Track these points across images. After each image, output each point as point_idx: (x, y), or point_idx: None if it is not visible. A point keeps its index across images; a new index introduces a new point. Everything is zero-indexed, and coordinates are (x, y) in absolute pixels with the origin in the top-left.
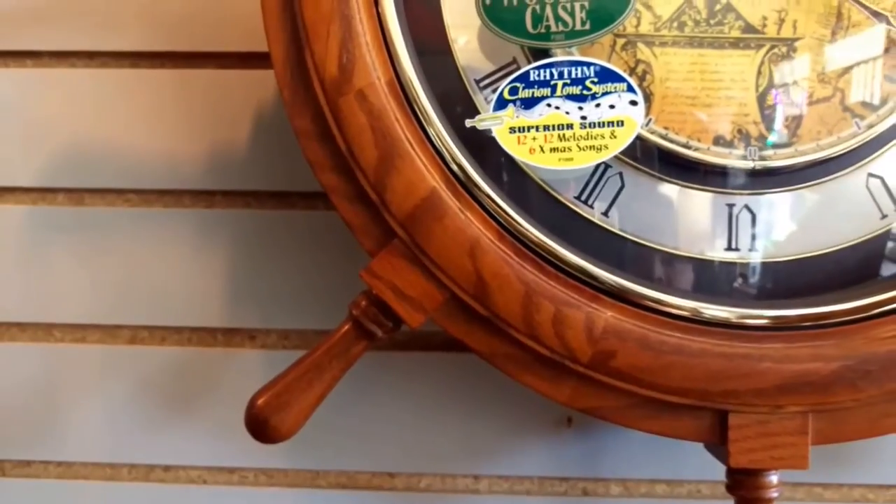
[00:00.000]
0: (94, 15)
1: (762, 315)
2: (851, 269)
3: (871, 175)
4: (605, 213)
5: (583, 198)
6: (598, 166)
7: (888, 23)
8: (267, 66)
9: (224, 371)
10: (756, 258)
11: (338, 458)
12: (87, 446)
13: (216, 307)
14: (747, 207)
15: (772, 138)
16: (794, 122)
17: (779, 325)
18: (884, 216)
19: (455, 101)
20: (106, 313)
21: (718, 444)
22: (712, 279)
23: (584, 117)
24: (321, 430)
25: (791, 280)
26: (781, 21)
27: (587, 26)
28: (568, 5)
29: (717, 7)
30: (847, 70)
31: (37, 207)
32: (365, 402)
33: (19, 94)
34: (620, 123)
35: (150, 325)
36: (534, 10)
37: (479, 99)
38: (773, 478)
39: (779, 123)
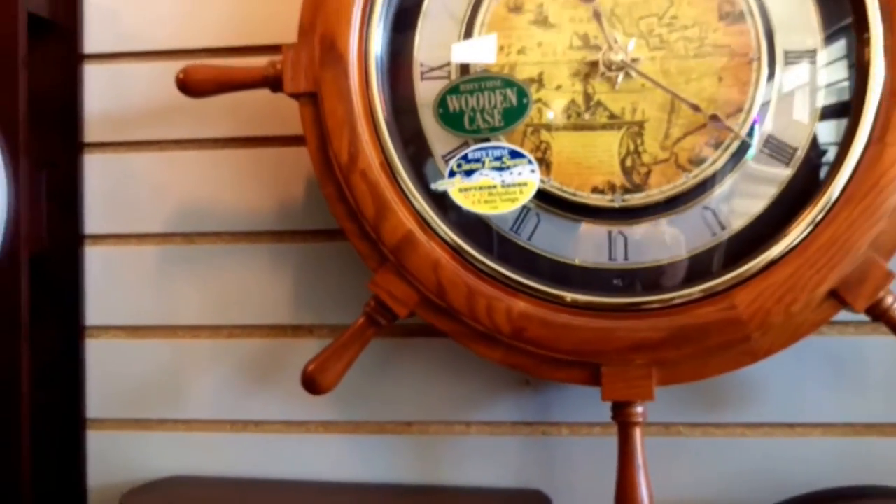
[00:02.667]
0: (194, 113)
1: (621, 301)
2: (688, 270)
3: (704, 208)
4: (529, 239)
5: (514, 229)
6: (522, 208)
7: (697, 109)
8: None
9: (292, 355)
10: (627, 265)
11: (370, 413)
12: (203, 409)
13: (286, 310)
14: (620, 232)
15: (629, 187)
16: (645, 175)
17: (632, 307)
18: (714, 234)
19: (426, 170)
20: (211, 318)
21: (596, 386)
22: (598, 279)
23: (503, 181)
24: (357, 394)
25: (649, 278)
26: (634, 110)
27: (502, 124)
28: (489, 112)
29: (591, 103)
30: (679, 139)
31: (161, 247)
32: (386, 374)
33: (148, 168)
34: (525, 184)
35: (241, 325)
36: (469, 115)
37: (442, 167)
38: (639, 408)
39: (633, 177)
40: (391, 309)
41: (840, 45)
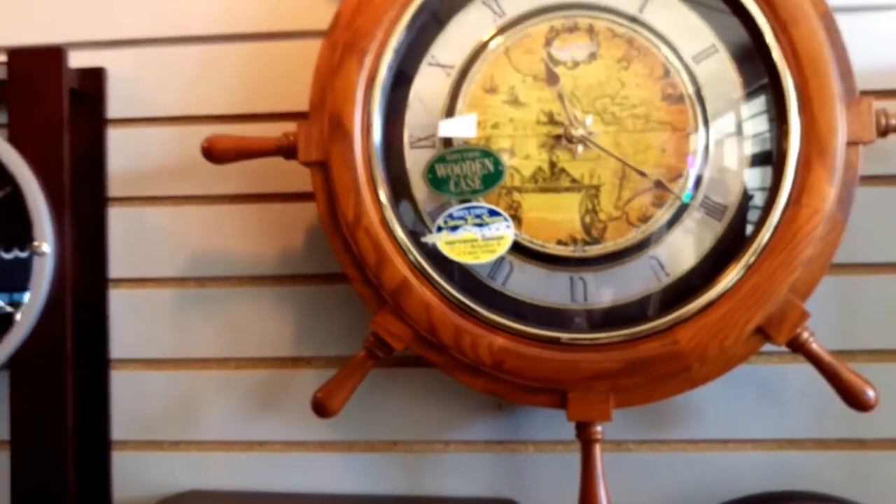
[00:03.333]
0: (206, 172)
1: (583, 337)
2: (638, 310)
3: (650, 257)
4: (504, 284)
5: (491, 275)
6: (498, 258)
7: (644, 175)
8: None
9: (292, 384)
10: (587, 306)
11: (361, 434)
12: (215, 431)
13: (287, 345)
14: (580, 278)
15: (588, 240)
16: (601, 230)
17: (592, 342)
18: (659, 280)
19: (418, 226)
20: (220, 351)
21: (562, 409)
22: (563, 318)
23: (483, 235)
24: (350, 418)
25: (606, 317)
26: (591, 175)
27: (481, 187)
28: (470, 177)
29: (556, 170)
30: (629, 200)
31: (176, 290)
32: (375, 400)
33: (165, 220)
34: (502, 238)
35: (247, 357)
36: (454, 180)
37: (429, 222)
38: (599, 427)
39: (592, 232)
40: (389, 344)
41: (760, 120)
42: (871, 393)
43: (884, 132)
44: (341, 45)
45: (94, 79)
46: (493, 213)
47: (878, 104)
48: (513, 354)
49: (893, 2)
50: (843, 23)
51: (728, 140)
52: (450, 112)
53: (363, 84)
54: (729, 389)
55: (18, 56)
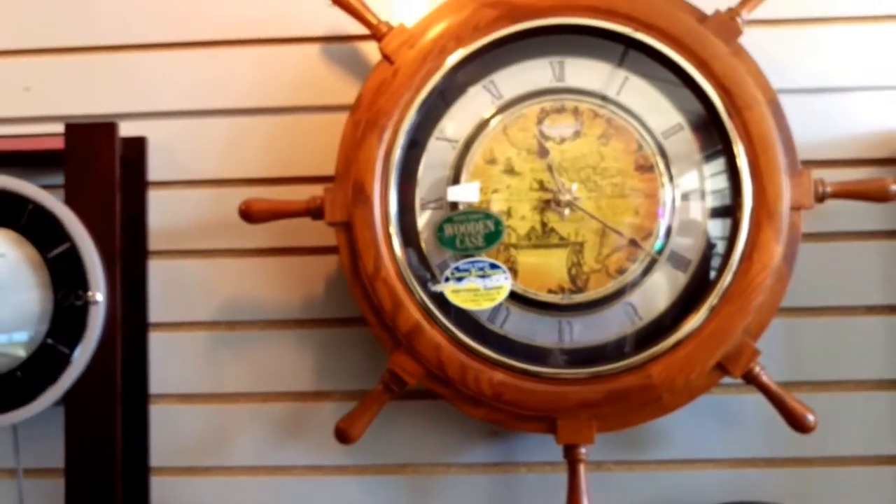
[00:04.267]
0: (236, 229)
1: (570, 372)
2: (616, 349)
3: (626, 303)
4: (501, 326)
5: (490, 319)
6: (498, 305)
7: (621, 235)
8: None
9: (314, 415)
10: (573, 345)
11: (373, 458)
12: (243, 458)
13: (308, 380)
14: (567, 322)
15: (574, 289)
16: (585, 281)
17: (577, 376)
18: (633, 322)
19: (428, 277)
20: (249, 387)
21: (552, 434)
22: (553, 356)
23: (484, 285)
24: (364, 444)
25: (589, 355)
26: (576, 234)
27: (484, 244)
28: (474, 236)
29: (546, 229)
30: (608, 255)
31: (209, 332)
32: (385, 429)
33: (199, 271)
34: (501, 287)
35: (273, 392)
36: (460, 238)
37: (437, 273)
38: (583, 450)
39: (577, 282)
40: (403, 380)
41: (718, 179)
42: (811, 417)
43: (821, 198)
44: (363, 122)
45: (136, 146)
46: (493, 266)
47: (816, 173)
48: (510, 387)
49: (831, 85)
50: (788, 102)
51: (691, 203)
52: (455, 180)
53: (382, 156)
54: (693, 416)
55: (75, 129)
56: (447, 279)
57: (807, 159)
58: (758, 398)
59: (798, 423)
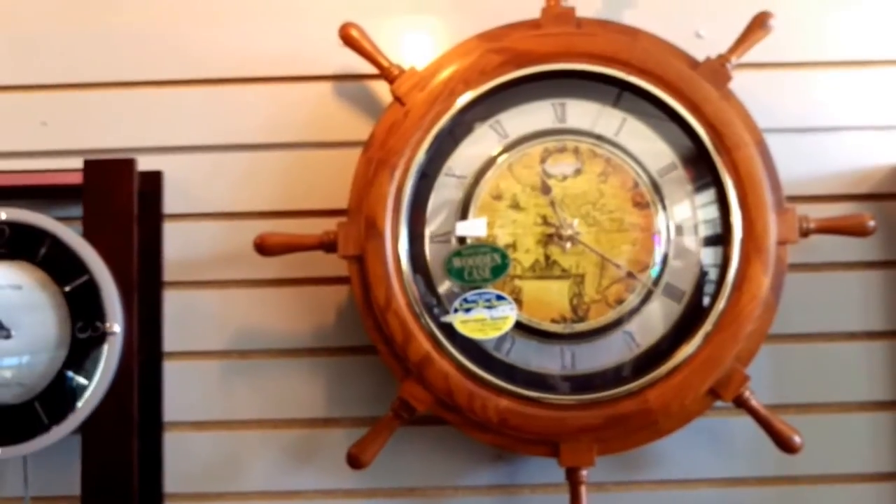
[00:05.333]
0: (248, 260)
1: (571, 398)
2: (615, 375)
3: (624, 332)
4: (507, 355)
5: (496, 348)
6: (504, 334)
7: (619, 267)
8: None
9: (324, 440)
10: (574, 372)
11: (383, 482)
12: (256, 483)
13: (319, 407)
14: (569, 349)
15: (575, 318)
16: (585, 311)
17: (578, 402)
18: (631, 350)
19: (437, 308)
20: (261, 413)
21: (554, 457)
22: (555, 382)
23: (491, 315)
24: (375, 469)
25: (590, 381)
26: (577, 266)
27: (490, 277)
28: (481, 268)
29: (549, 261)
30: (607, 287)
31: (222, 361)
32: (394, 453)
33: (212, 301)
34: (507, 318)
35: (284, 418)
36: (468, 271)
37: (446, 304)
38: (584, 472)
39: (578, 312)
40: (413, 407)
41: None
42: (797, 438)
43: (805, 234)
44: (376, 160)
45: (153, 180)
46: (499, 297)
47: (801, 208)
48: (515, 414)
49: (815, 125)
50: (774, 141)
51: (685, 236)
52: (464, 215)
53: (393, 193)
54: (688, 438)
55: (94, 166)
56: (455, 310)
57: (792, 195)
58: (747, 421)
59: (785, 444)
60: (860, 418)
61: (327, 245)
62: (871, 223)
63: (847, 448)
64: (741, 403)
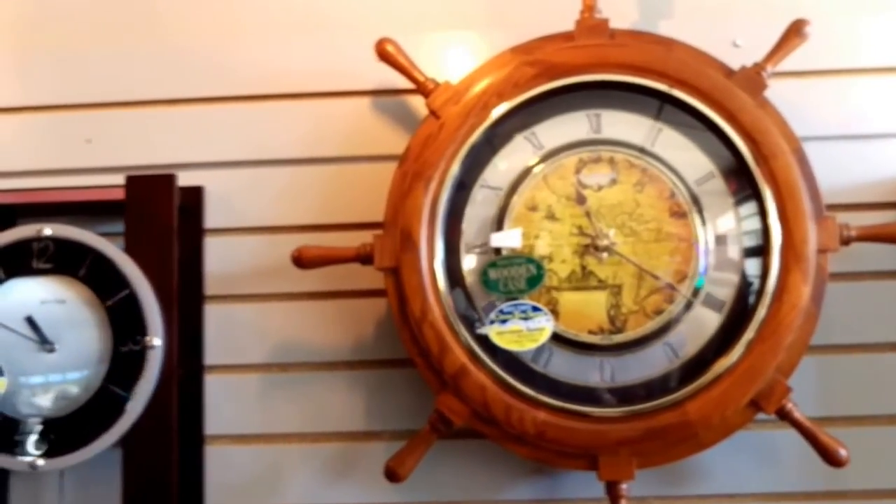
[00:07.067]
0: (288, 274)
1: (610, 411)
2: (655, 387)
3: (664, 343)
4: (545, 367)
5: (534, 360)
6: (541, 346)
7: (657, 278)
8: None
9: (364, 454)
10: (613, 384)
11: (424, 496)
12: (296, 496)
13: (358, 420)
14: (608, 361)
15: (613, 330)
16: (623, 322)
17: (617, 415)
18: (671, 361)
19: (473, 320)
20: (301, 427)
21: (593, 470)
22: (594, 395)
23: (527, 327)
24: (414, 482)
25: (629, 393)
26: (615, 277)
27: (526, 288)
28: (517, 279)
29: (586, 272)
30: (645, 297)
31: (262, 374)
32: (435, 467)
33: (253, 315)
34: (543, 329)
35: (324, 432)
36: (503, 282)
37: (482, 315)
38: (624, 486)
39: (616, 323)
40: (450, 420)
41: (749, 222)
42: (843, 452)
43: (846, 242)
44: (411, 174)
45: (194, 195)
46: (535, 308)
47: (842, 216)
48: (553, 426)
49: (854, 132)
50: (813, 150)
51: (724, 246)
52: (499, 226)
53: (428, 205)
54: (732, 452)
55: (135, 181)
56: (492, 321)
57: (833, 203)
58: (793, 434)
59: (831, 458)
60: None
61: (364, 257)
62: None
63: None
64: (784, 415)
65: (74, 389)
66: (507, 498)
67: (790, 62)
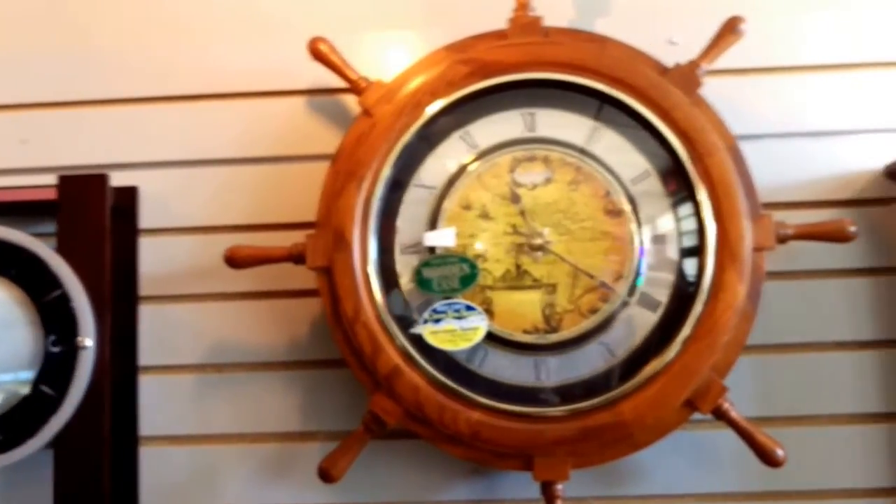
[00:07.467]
0: (223, 274)
1: (545, 411)
2: (589, 387)
3: (600, 343)
4: (479, 367)
5: (468, 360)
6: (476, 345)
7: (591, 277)
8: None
9: (300, 454)
10: (548, 384)
11: (359, 496)
12: (232, 498)
13: (295, 421)
14: (543, 361)
15: (548, 329)
16: (558, 321)
17: (553, 414)
18: (606, 361)
19: (407, 319)
20: (237, 428)
21: (529, 471)
22: (529, 394)
23: (461, 326)
24: (350, 483)
25: (564, 393)
26: (549, 276)
27: (460, 287)
28: (451, 279)
29: (520, 271)
30: (580, 296)
31: (197, 375)
32: (371, 467)
33: (188, 315)
34: (477, 329)
35: (260, 432)
36: (437, 281)
37: (416, 316)
38: (560, 486)
39: (551, 322)
40: (383, 420)
41: (684, 223)
42: (780, 452)
43: (782, 240)
44: (343, 173)
45: (128, 196)
46: (469, 308)
47: (781, 215)
48: (487, 426)
49: (792, 130)
50: (750, 148)
51: (660, 245)
52: (433, 225)
53: (361, 204)
54: (670, 452)
55: (68, 181)
56: (425, 321)
57: (770, 201)
58: (728, 433)
59: (768, 458)
60: (850, 430)
61: (296, 257)
62: (853, 228)
63: (836, 462)
64: (720, 415)
65: (5, 390)
66: (443, 498)
67: (726, 60)
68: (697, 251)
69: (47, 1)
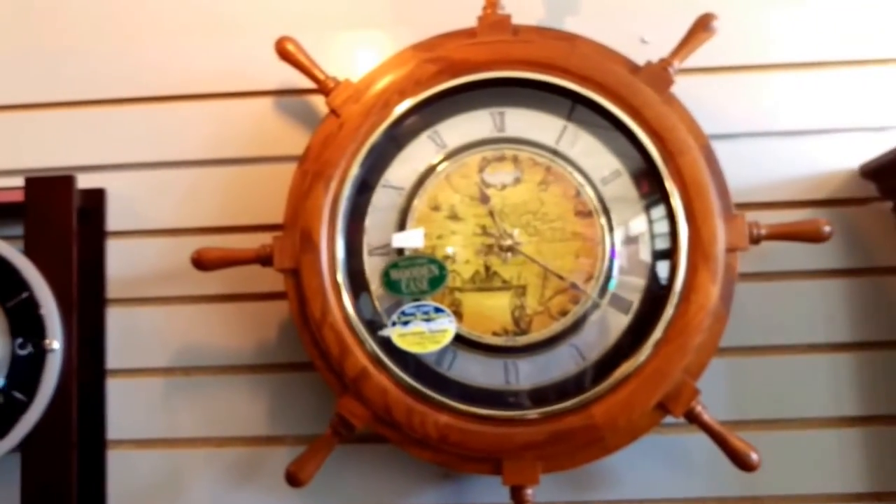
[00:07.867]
0: (191, 277)
1: (514, 414)
2: (560, 389)
3: (570, 345)
4: (448, 369)
5: (437, 362)
6: (444, 348)
7: (561, 278)
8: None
9: (268, 458)
10: (518, 387)
11: (327, 501)
12: (198, 502)
13: (262, 425)
14: (512, 363)
15: (517, 331)
16: (528, 323)
17: (522, 418)
18: (577, 363)
19: (375, 321)
20: (204, 431)
21: (498, 475)
22: (498, 397)
23: (429, 329)
24: (319, 487)
25: (534, 396)
26: (519, 277)
27: (428, 289)
28: (419, 280)
29: (490, 273)
30: (550, 298)
31: (165, 378)
32: (340, 472)
33: (155, 318)
34: (446, 331)
35: (227, 436)
36: (405, 282)
37: (385, 318)
38: (530, 490)
39: (520, 324)
40: (351, 424)
41: (657, 225)
42: (754, 456)
43: (756, 240)
44: (311, 173)
45: (95, 198)
46: (438, 310)
47: (755, 215)
48: (455, 430)
49: (766, 130)
50: (724, 148)
51: (631, 246)
52: (401, 226)
53: (329, 205)
54: (642, 456)
55: (34, 183)
56: (393, 323)
57: (743, 201)
58: (701, 437)
59: (741, 462)
60: (825, 434)
61: (264, 259)
62: (827, 228)
63: (811, 466)
64: (693, 419)
65: None
66: (412, 503)
67: (698, 58)
68: (670, 252)
69: (12, 2)
